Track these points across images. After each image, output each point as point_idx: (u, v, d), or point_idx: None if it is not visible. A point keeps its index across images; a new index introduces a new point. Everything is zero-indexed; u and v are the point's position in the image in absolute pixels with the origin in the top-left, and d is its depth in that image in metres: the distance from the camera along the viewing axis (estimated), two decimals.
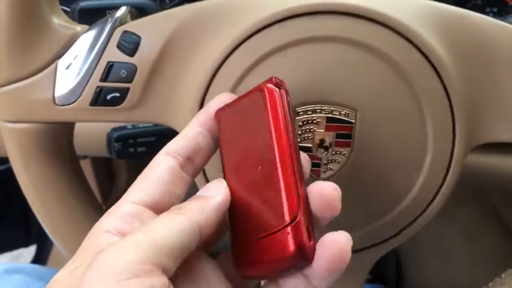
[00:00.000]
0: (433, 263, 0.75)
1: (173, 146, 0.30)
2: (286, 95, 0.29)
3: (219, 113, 0.31)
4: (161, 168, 0.29)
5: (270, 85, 0.29)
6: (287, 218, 0.26)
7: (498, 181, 0.50)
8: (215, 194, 0.28)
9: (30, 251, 1.05)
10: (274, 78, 0.29)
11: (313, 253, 0.26)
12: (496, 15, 0.53)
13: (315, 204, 0.27)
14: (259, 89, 0.29)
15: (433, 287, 0.76)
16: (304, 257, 0.25)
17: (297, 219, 0.26)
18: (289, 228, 0.25)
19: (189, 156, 0.30)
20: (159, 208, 0.29)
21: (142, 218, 0.28)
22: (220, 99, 0.31)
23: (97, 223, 0.28)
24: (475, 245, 0.74)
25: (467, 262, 0.74)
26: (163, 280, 0.24)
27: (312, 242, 0.26)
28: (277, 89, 0.29)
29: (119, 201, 0.29)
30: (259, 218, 0.27)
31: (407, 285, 0.79)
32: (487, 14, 0.46)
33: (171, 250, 0.25)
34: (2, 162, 0.87)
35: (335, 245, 0.26)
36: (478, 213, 0.74)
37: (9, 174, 0.40)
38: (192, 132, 0.31)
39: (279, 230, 0.26)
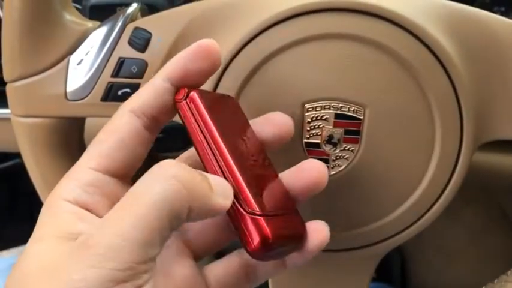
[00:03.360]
0: (438, 262, 0.75)
1: (139, 103, 0.28)
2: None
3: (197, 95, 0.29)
4: (126, 130, 0.27)
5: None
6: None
7: (505, 179, 0.50)
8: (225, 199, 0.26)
9: None
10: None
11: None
12: (504, 14, 0.53)
13: (306, 180, 0.30)
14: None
15: (438, 286, 0.76)
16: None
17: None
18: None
19: (155, 116, 0.28)
20: (122, 174, 0.28)
21: (105, 190, 0.27)
22: (200, 43, 0.28)
23: (55, 189, 0.27)
24: (481, 244, 0.73)
25: (473, 261, 0.74)
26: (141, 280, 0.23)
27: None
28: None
29: (79, 163, 0.27)
30: (272, 198, 0.29)
31: (412, 284, 0.79)
32: (495, 13, 0.46)
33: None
34: (10, 158, 0.88)
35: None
36: (484, 212, 0.73)
37: (17, 169, 0.40)
38: (159, 89, 0.28)
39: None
